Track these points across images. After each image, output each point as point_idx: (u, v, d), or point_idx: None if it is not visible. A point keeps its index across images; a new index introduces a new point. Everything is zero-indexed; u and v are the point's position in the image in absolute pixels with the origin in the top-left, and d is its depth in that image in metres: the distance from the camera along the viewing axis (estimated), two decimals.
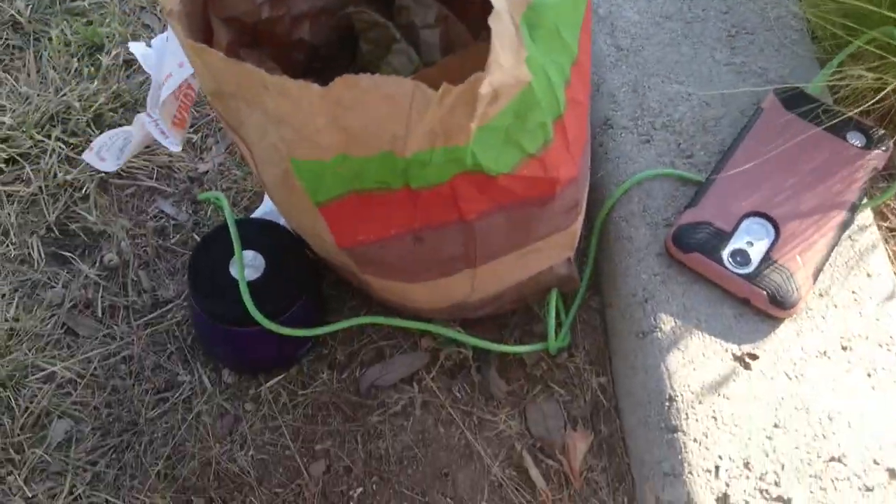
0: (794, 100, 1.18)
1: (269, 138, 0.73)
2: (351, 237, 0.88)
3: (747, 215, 1.08)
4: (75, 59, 1.41)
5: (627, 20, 1.34)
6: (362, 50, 0.99)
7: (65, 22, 1.46)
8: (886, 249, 1.12)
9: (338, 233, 0.87)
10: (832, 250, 1.06)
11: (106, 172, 1.27)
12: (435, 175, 0.78)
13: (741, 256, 1.04)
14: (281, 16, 0.98)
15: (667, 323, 1.03)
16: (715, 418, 0.96)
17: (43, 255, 1.21)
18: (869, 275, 1.07)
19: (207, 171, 1.27)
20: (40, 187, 1.27)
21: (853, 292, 1.05)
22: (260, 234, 1.06)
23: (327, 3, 0.99)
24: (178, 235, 1.23)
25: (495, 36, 0.64)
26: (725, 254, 1.04)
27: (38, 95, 1.36)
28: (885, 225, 1.24)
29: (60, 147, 1.31)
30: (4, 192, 1.27)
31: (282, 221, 1.12)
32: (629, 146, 1.20)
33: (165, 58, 0.97)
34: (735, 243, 1.05)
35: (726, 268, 1.03)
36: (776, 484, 0.91)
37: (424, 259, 0.93)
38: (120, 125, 1.30)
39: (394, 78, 0.63)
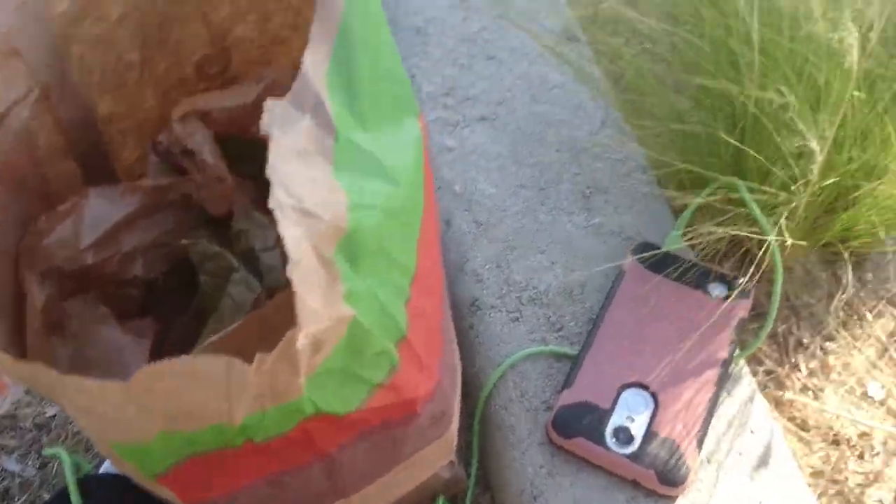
0: (653, 259, 1.19)
1: (81, 423, 0.67)
2: (201, 496, 0.80)
3: (624, 388, 1.05)
4: None
5: (484, 194, 1.35)
6: (201, 281, 0.95)
7: None
8: (764, 399, 1.11)
9: (186, 496, 0.79)
10: (713, 412, 1.04)
11: None
12: (276, 427, 0.72)
13: (623, 434, 1.01)
14: (110, 256, 0.92)
15: None
16: None
17: None
18: (752, 431, 1.05)
19: (55, 415, 1.17)
20: None
21: (740, 454, 1.03)
22: (109, 493, 0.97)
23: (159, 236, 0.95)
24: (24, 495, 1.12)
25: (297, 285, 0.60)
26: (608, 433, 1.01)
27: None
28: (762, 369, 1.24)
29: None
30: None
31: None
32: (499, 326, 1.18)
33: None
34: (616, 421, 1.02)
35: (610, 449, 0.99)
36: None
37: (290, 499, 0.85)
38: None
39: (203, 358, 0.58)
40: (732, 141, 1.13)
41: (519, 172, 1.38)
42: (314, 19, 0.64)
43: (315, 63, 0.64)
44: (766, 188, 1.14)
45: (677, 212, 1.31)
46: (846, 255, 1.39)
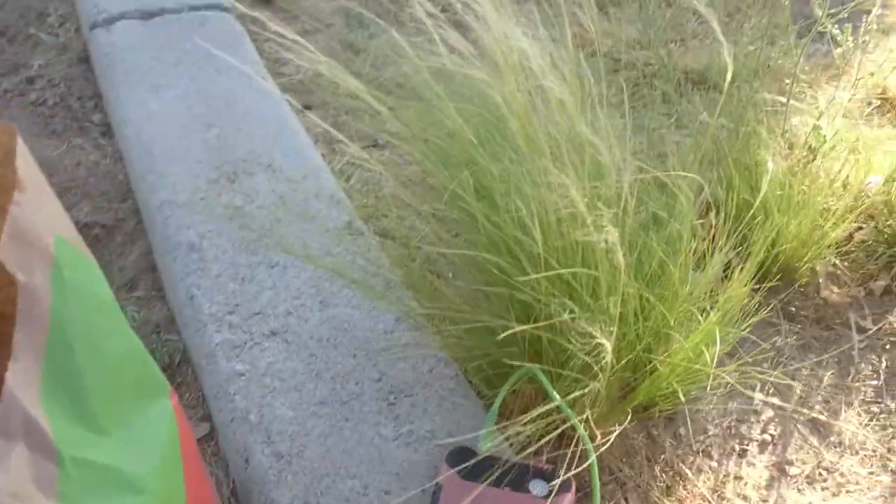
0: (467, 465, 1.12)
1: None
2: None
3: None
4: None
5: (283, 419, 1.24)
6: None
7: None
8: None
9: None
10: None
11: None
12: None
13: None
14: None
15: None
16: None
17: None
18: None
19: None
20: None
21: None
22: None
23: None
24: None
25: None
26: None
27: None
28: None
29: None
30: None
31: None
32: None
33: None
34: None
35: None
36: None
37: None
38: None
39: None
40: (526, 328, 1.11)
41: (317, 389, 1.29)
42: (15, 329, 0.54)
43: (23, 382, 0.53)
44: (568, 372, 1.13)
45: (488, 405, 1.27)
46: (657, 415, 1.40)
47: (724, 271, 1.63)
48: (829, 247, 1.68)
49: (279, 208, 1.66)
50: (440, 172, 1.41)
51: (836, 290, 1.70)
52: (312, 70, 2.49)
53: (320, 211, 1.67)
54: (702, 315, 1.35)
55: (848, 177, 1.74)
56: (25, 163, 0.69)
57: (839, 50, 1.63)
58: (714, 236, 1.75)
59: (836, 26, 1.58)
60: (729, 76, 1.26)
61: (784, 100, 1.73)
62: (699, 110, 2.13)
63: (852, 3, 1.59)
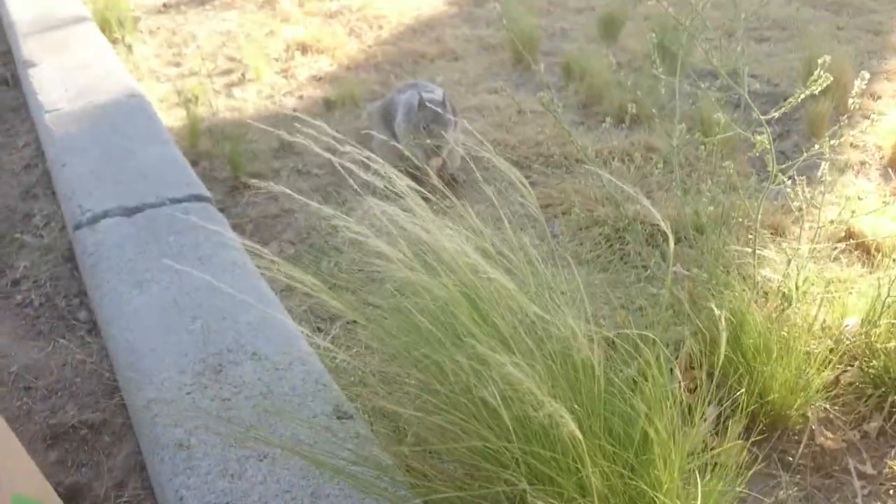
0: None
1: None
2: None
3: None
4: None
5: None
6: None
7: None
8: None
9: None
10: None
11: None
12: None
13: None
14: None
15: None
16: None
17: None
18: None
19: None
20: None
21: None
22: None
23: None
24: None
25: None
26: None
27: None
28: None
29: None
30: None
31: None
32: None
33: None
34: None
35: None
36: None
37: None
38: None
39: None
40: None
41: None
42: None
43: None
44: None
45: None
46: None
47: (714, 426, 1.63)
48: (817, 392, 1.69)
49: (266, 398, 1.66)
50: (406, 357, 1.44)
51: (830, 435, 1.70)
52: (295, 249, 2.56)
53: (307, 397, 1.66)
54: (697, 473, 1.33)
55: (825, 320, 1.77)
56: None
57: (796, 203, 1.70)
58: (698, 390, 1.76)
59: (789, 180, 1.65)
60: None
61: (750, 249, 1.78)
62: (671, 263, 2.19)
63: (804, 155, 1.67)
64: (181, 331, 1.84)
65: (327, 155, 1.55)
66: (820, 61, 1.54)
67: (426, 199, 1.59)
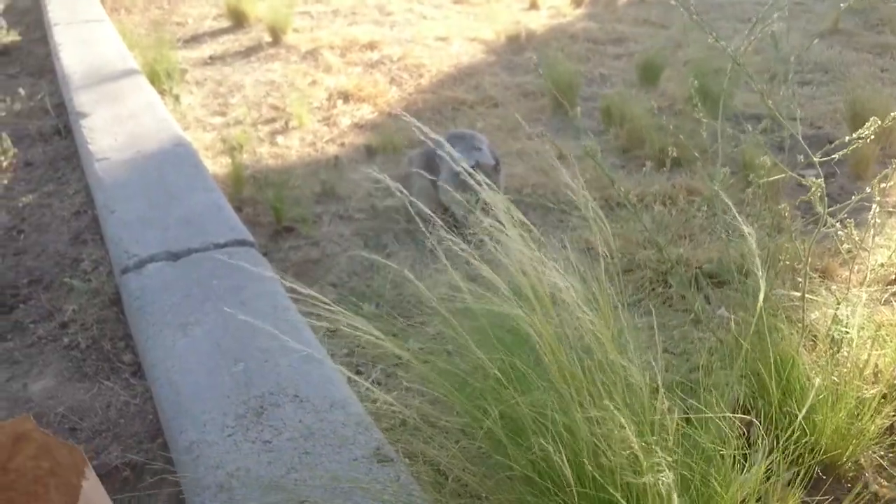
0: None
1: None
2: None
3: None
4: None
5: None
6: None
7: None
8: None
9: None
10: None
11: None
12: None
13: None
14: None
15: None
16: None
17: None
18: None
19: None
20: None
21: None
22: None
23: None
24: None
25: None
26: None
27: None
28: None
29: None
30: None
31: None
32: None
33: None
34: None
35: None
36: None
37: None
38: None
39: None
40: None
41: None
42: None
43: None
44: None
45: None
46: None
47: (767, 473, 1.58)
48: (871, 439, 1.63)
49: (307, 440, 1.66)
50: (461, 402, 1.42)
51: (885, 483, 1.64)
52: (337, 292, 2.57)
53: (348, 440, 1.66)
54: None
55: (877, 365, 1.72)
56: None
57: (846, 247, 1.67)
58: (750, 437, 1.71)
59: (839, 223, 1.62)
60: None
61: (799, 293, 1.75)
62: (716, 306, 2.15)
63: (854, 197, 1.65)
64: (224, 373, 1.85)
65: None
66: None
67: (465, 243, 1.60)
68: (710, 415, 1.37)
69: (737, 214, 1.42)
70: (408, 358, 1.42)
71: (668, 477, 0.90)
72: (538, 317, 1.29)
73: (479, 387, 1.34)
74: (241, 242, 2.41)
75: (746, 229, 1.82)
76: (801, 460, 1.58)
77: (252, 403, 1.76)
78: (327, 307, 1.41)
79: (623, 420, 1.06)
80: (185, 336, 1.99)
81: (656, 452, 0.99)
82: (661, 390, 1.24)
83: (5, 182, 3.18)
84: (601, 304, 1.36)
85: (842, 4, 1.83)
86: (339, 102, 4.00)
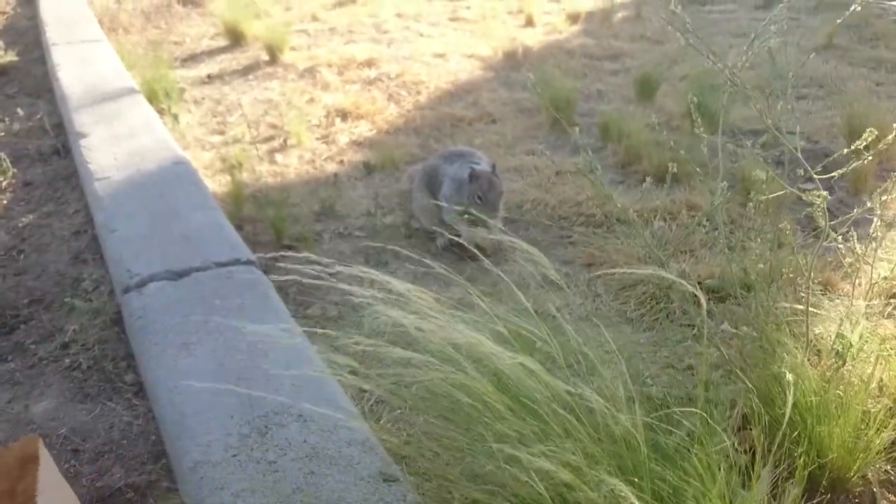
0: None
1: None
2: None
3: None
4: None
5: None
6: None
7: None
8: None
9: None
10: None
11: None
12: None
13: None
14: None
15: None
16: None
17: None
18: None
19: None
20: None
21: None
22: None
23: None
24: None
25: None
26: None
27: None
28: None
29: None
30: None
31: None
32: None
33: None
34: None
35: None
36: None
37: None
38: None
39: None
40: None
41: None
42: None
43: None
44: None
45: None
46: None
47: (771, 488, 1.57)
48: (877, 453, 1.63)
49: (312, 460, 1.65)
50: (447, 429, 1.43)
51: (892, 498, 1.63)
52: (338, 310, 2.56)
53: (353, 459, 1.65)
54: None
55: (882, 379, 1.72)
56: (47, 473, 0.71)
57: (848, 260, 1.68)
58: (753, 450, 1.71)
59: (841, 237, 1.63)
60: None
61: (802, 307, 1.75)
62: (718, 321, 2.15)
63: (856, 211, 1.65)
64: (227, 393, 1.84)
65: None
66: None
67: (470, 259, 1.60)
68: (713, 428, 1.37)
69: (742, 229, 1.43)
70: (391, 398, 1.43)
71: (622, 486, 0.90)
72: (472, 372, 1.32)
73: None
74: (243, 261, 2.40)
75: (750, 244, 1.83)
76: (807, 475, 1.58)
77: (256, 423, 1.75)
78: (324, 331, 1.41)
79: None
80: (187, 355, 1.98)
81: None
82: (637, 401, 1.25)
83: (5, 202, 3.17)
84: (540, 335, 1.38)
85: (837, 20, 1.85)
86: (338, 120, 4.01)
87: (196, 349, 2.00)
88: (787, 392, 1.24)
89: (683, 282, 1.34)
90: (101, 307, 2.40)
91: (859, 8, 1.65)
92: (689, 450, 1.36)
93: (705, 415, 1.39)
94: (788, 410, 1.37)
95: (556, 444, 1.20)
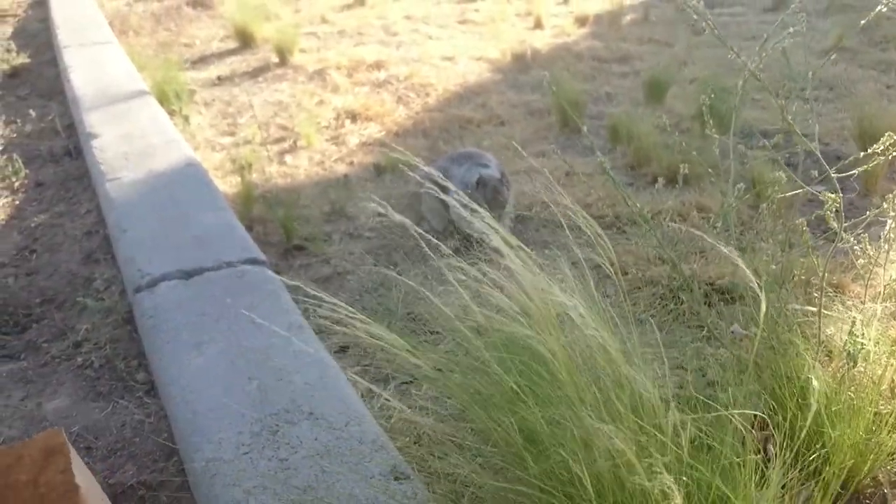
0: None
1: None
2: None
3: None
4: None
5: None
6: None
7: None
8: None
9: None
10: None
11: None
12: None
13: None
14: None
15: None
16: None
17: None
18: None
19: None
20: None
21: None
22: None
23: None
24: None
25: None
26: None
27: None
28: None
29: None
30: None
31: None
32: None
33: None
34: None
35: None
36: None
37: None
38: None
39: None
40: None
41: None
42: None
43: None
44: None
45: None
46: None
47: (785, 489, 1.57)
48: (889, 454, 1.63)
49: (323, 458, 1.65)
50: (479, 415, 1.42)
51: None
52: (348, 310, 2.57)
53: (364, 457, 1.65)
54: None
55: (893, 380, 1.72)
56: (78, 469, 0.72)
57: (861, 262, 1.68)
58: (767, 451, 1.71)
59: (855, 239, 1.63)
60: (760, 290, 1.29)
61: (813, 309, 1.75)
62: (729, 322, 2.15)
63: (869, 213, 1.65)
64: (239, 391, 1.85)
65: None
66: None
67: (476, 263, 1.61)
68: (727, 428, 1.37)
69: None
70: (426, 371, 1.43)
71: (670, 481, 0.90)
72: (549, 336, 1.30)
73: (496, 401, 1.34)
74: (253, 261, 2.41)
75: (758, 245, 1.83)
76: (819, 476, 1.58)
77: (267, 421, 1.76)
78: (350, 315, 1.41)
79: (627, 434, 1.06)
80: (199, 354, 1.99)
81: (660, 463, 0.99)
82: (672, 403, 1.25)
83: (17, 203, 3.19)
84: (608, 322, 1.36)
85: (859, 22, 1.84)
86: (347, 122, 4.02)
87: (207, 348, 2.01)
88: (812, 399, 1.23)
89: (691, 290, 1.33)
90: (112, 306, 2.42)
91: (885, 9, 1.64)
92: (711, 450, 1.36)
93: (732, 416, 1.39)
94: (811, 418, 1.37)
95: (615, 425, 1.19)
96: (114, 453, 1.88)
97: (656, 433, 1.22)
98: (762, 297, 1.43)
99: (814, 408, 1.25)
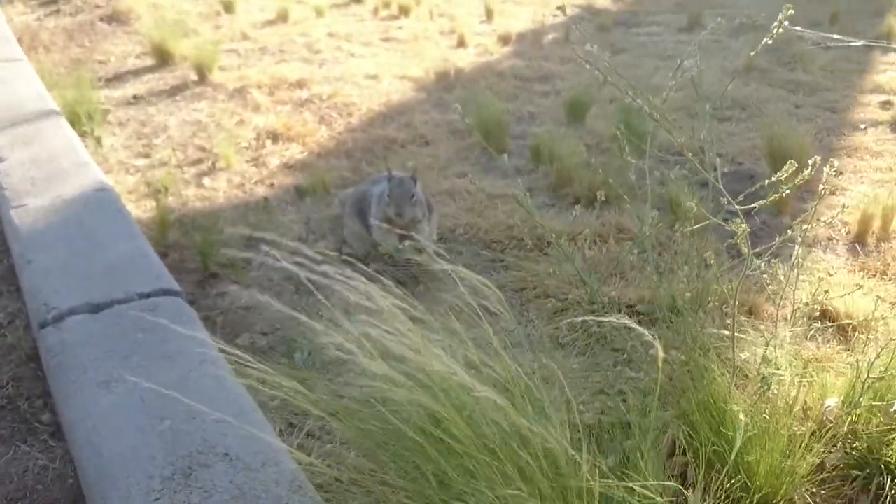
0: None
1: None
2: None
3: None
4: None
5: None
6: None
7: None
8: None
9: None
10: None
11: None
12: None
13: None
14: None
15: None
16: None
17: None
18: None
19: None
20: None
21: None
22: None
23: None
24: None
25: None
26: None
27: None
28: None
29: None
30: None
31: None
32: None
33: None
34: None
35: None
36: None
37: None
38: None
39: None
40: None
41: None
42: None
43: None
44: None
45: None
46: None
47: None
48: (803, 477, 1.66)
49: (238, 501, 1.59)
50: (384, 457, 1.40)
51: None
52: (267, 340, 2.51)
53: (282, 499, 1.60)
54: None
55: (806, 402, 1.75)
56: None
57: (771, 288, 1.71)
58: (684, 475, 1.72)
59: (765, 264, 1.66)
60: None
61: (727, 332, 1.78)
62: (648, 345, 2.17)
63: (777, 240, 1.69)
64: (149, 432, 1.77)
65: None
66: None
67: (401, 284, 1.58)
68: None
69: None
70: (334, 422, 1.39)
71: None
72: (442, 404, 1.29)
73: (397, 449, 1.33)
74: (167, 292, 2.33)
75: (675, 267, 1.85)
76: (736, 501, 1.60)
77: (180, 464, 1.68)
78: (250, 364, 1.37)
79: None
80: (107, 393, 1.90)
81: None
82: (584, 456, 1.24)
83: None
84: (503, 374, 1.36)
85: (764, 40, 1.88)
86: (268, 142, 3.95)
87: (117, 386, 1.92)
88: (737, 432, 1.25)
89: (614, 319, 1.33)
90: (15, 343, 2.30)
91: (782, 29, 1.68)
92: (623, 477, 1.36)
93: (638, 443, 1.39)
94: (736, 448, 1.38)
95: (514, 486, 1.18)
96: (15, 503, 1.78)
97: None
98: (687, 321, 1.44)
99: (738, 442, 1.26)
